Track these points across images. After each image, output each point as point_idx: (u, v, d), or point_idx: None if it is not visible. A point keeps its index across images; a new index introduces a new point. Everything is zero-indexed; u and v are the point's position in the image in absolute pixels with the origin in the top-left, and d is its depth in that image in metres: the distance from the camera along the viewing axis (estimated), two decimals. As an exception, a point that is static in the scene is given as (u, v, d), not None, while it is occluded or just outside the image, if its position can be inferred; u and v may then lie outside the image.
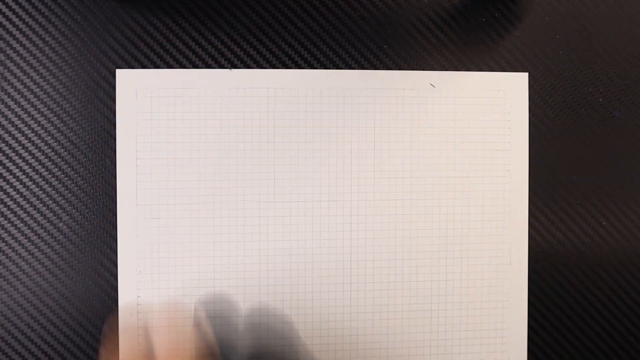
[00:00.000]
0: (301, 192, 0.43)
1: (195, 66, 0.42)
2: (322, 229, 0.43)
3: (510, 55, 0.45)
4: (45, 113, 0.41)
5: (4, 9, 0.41)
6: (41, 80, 0.41)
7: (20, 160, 0.41)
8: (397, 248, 0.44)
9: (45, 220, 0.41)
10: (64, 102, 0.41)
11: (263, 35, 0.43)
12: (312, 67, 0.43)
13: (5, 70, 0.41)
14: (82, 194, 0.41)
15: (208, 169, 0.42)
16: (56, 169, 0.41)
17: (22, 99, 0.41)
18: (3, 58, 0.41)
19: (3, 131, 0.41)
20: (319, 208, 0.43)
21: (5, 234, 0.41)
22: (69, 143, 0.41)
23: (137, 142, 0.42)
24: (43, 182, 0.41)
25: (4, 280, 0.41)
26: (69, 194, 0.41)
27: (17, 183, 0.41)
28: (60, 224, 0.41)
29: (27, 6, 0.41)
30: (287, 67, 0.43)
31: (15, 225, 0.41)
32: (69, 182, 0.41)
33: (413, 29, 0.44)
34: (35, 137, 0.41)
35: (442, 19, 0.44)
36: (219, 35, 0.43)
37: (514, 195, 0.45)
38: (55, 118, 0.41)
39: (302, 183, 0.43)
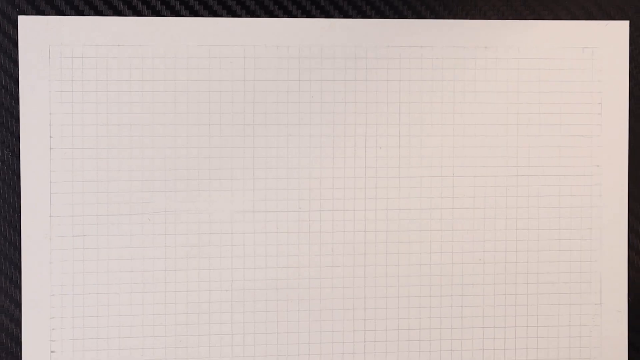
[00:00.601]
0: (292, 198, 0.29)
1: (138, 13, 0.29)
2: (323, 252, 0.29)
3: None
4: None
5: None
6: None
7: None
8: (423, 284, 0.30)
9: None
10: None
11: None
12: (309, 14, 0.30)
13: None
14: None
15: (155, 164, 0.29)
16: None
17: None
18: None
19: None
20: (319, 221, 0.29)
21: None
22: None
23: (51, 124, 0.28)
24: None
25: None
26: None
27: None
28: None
29: None
30: (272, 15, 0.29)
31: None
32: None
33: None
34: None
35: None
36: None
37: (606, 202, 0.30)
38: None
39: (293, 185, 0.29)
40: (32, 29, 0.28)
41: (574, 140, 0.30)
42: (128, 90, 0.29)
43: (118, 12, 0.29)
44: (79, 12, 0.29)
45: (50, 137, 0.28)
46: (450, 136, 0.30)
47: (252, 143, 0.29)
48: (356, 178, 0.30)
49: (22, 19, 0.28)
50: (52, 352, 0.29)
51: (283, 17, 0.29)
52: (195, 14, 0.29)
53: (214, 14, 0.29)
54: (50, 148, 0.28)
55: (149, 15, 0.29)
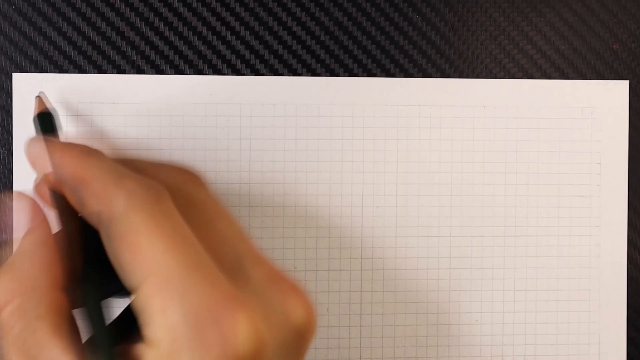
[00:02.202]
0: (288, 258, 0.29)
1: (140, 71, 0.29)
2: (319, 312, 0.29)
3: (599, 59, 0.30)
4: None
5: None
6: None
7: None
8: (419, 345, 0.30)
9: None
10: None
11: (238, 26, 0.29)
12: (313, 72, 0.29)
13: None
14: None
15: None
16: None
17: None
18: None
19: None
20: (314, 281, 0.29)
21: None
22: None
23: (45, 183, 0.28)
24: None
25: None
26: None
27: None
28: None
29: None
30: (277, 72, 0.29)
31: None
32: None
33: (464, 17, 0.30)
34: None
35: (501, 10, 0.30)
36: (173, 28, 0.29)
37: (605, 262, 0.30)
38: None
39: (289, 245, 0.29)
40: (26, 86, 0.28)
41: (573, 200, 0.30)
42: (123, 148, 0.28)
43: (120, 69, 0.29)
44: (81, 70, 0.28)
45: (44, 195, 0.28)
46: (447, 196, 0.30)
47: (248, 202, 0.29)
48: (352, 238, 0.29)
49: (16, 76, 0.28)
50: None
51: (287, 75, 0.29)
52: (199, 72, 0.29)
53: (216, 70, 0.29)
54: (44, 207, 0.28)
55: (150, 72, 0.29)
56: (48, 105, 0.25)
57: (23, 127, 0.28)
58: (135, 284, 0.16)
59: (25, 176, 0.28)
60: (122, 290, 0.17)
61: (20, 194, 0.19)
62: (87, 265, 0.18)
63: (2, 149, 0.28)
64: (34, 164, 0.20)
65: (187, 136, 0.29)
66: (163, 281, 0.15)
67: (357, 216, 0.29)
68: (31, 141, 0.20)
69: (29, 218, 0.18)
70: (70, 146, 0.19)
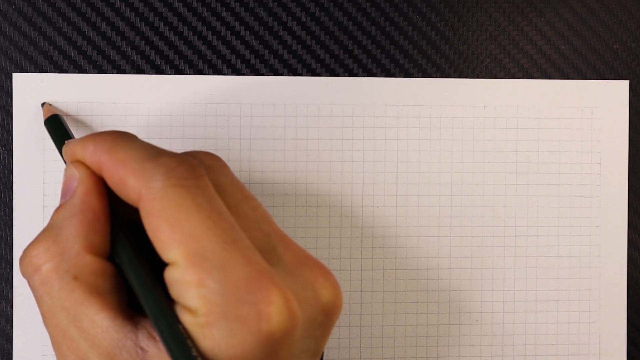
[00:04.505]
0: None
1: (139, 69, 0.29)
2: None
3: (599, 59, 0.30)
4: None
5: None
6: None
7: None
8: (419, 345, 0.30)
9: None
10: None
11: (237, 25, 0.29)
12: (313, 72, 0.29)
13: None
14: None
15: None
16: None
17: None
18: None
19: None
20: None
21: None
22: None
23: (45, 182, 0.28)
24: None
25: None
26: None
27: None
28: None
29: None
30: (277, 72, 0.29)
31: None
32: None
33: (464, 17, 0.30)
34: None
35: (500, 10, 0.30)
36: (174, 25, 0.29)
37: (605, 262, 0.30)
38: None
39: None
40: (26, 86, 0.28)
41: (573, 200, 0.30)
42: (123, 148, 0.28)
43: (120, 69, 0.29)
44: (80, 69, 0.28)
45: (44, 195, 0.28)
46: (447, 196, 0.30)
47: (248, 202, 0.29)
48: (352, 238, 0.29)
49: (16, 76, 0.28)
50: (43, 345, 0.28)
51: (287, 75, 0.29)
52: (199, 72, 0.29)
53: (216, 70, 0.29)
54: (44, 207, 0.28)
55: (150, 72, 0.29)
56: (55, 111, 0.26)
57: (23, 127, 0.28)
58: (173, 256, 0.16)
59: (25, 176, 0.28)
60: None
61: (71, 165, 0.20)
62: (120, 237, 0.19)
63: (2, 149, 0.28)
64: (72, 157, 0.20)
65: (187, 136, 0.29)
66: (200, 254, 0.16)
67: (357, 216, 0.29)
68: (67, 143, 0.21)
69: (71, 186, 0.19)
70: (102, 133, 0.19)
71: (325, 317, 0.18)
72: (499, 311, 0.30)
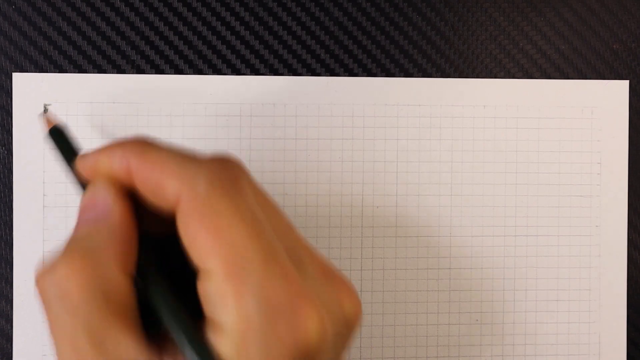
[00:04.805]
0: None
1: (140, 71, 0.29)
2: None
3: (599, 59, 0.30)
4: None
5: None
6: None
7: None
8: (419, 345, 0.30)
9: None
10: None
11: (237, 24, 0.29)
12: (313, 72, 0.29)
13: None
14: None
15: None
16: None
17: None
18: None
19: None
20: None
21: None
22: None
23: (45, 182, 0.28)
24: None
25: None
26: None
27: None
28: None
29: None
30: (277, 72, 0.29)
31: None
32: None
33: (464, 17, 0.30)
34: None
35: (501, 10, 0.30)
36: (173, 23, 0.29)
37: (605, 261, 0.30)
38: None
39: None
40: (26, 86, 0.28)
41: (573, 200, 0.30)
42: (123, 148, 0.28)
43: (120, 69, 0.29)
44: (80, 69, 0.28)
45: (44, 195, 0.28)
46: (447, 196, 0.30)
47: (248, 202, 0.29)
48: (352, 237, 0.29)
49: (16, 76, 0.28)
50: (43, 345, 0.28)
51: (287, 75, 0.29)
52: (199, 72, 0.29)
53: (216, 70, 0.29)
54: (44, 206, 0.28)
55: (150, 72, 0.29)
56: (56, 120, 0.24)
57: (23, 127, 0.28)
58: (210, 266, 0.16)
59: (25, 176, 0.28)
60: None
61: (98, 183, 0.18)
62: (146, 254, 0.18)
63: (2, 148, 0.28)
64: (92, 173, 0.19)
65: (187, 136, 0.29)
66: (240, 267, 0.15)
67: (357, 216, 0.29)
68: (80, 157, 0.19)
69: (96, 202, 0.18)
70: (126, 138, 0.18)
71: (348, 330, 0.18)
72: (499, 311, 0.30)
